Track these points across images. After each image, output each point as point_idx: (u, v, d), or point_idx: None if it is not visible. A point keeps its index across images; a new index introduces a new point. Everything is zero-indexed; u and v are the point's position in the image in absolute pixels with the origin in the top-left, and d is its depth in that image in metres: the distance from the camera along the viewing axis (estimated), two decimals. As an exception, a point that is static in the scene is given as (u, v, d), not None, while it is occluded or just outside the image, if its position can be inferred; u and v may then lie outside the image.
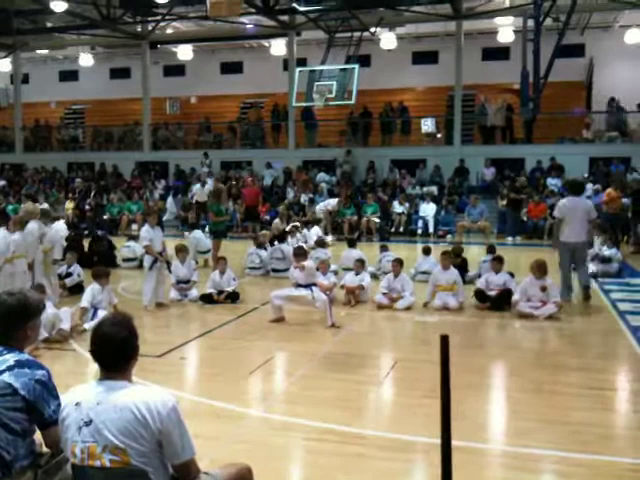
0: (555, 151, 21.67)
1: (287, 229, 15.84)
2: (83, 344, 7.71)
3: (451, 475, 3.10)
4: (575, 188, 10.88)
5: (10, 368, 3.06)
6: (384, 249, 12.98)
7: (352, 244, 13.33)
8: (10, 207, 21.16)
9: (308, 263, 9.54)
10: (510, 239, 18.75)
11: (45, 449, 3.27)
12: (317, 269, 11.45)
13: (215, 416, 5.70)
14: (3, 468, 2.97)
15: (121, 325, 3.02)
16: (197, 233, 14.71)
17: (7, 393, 3.00)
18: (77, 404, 2.94)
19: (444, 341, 3.04)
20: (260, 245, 13.68)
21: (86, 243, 14.77)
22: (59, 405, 3.11)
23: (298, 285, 9.42)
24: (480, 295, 10.15)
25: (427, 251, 12.77)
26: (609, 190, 16.92)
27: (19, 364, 3.09)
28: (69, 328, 8.27)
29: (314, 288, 9.29)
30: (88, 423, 2.88)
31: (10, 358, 3.10)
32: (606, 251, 13.45)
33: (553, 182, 20.74)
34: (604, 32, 24.15)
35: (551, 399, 6.13)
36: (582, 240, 10.25)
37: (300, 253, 9.76)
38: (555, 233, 10.67)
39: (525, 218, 19.55)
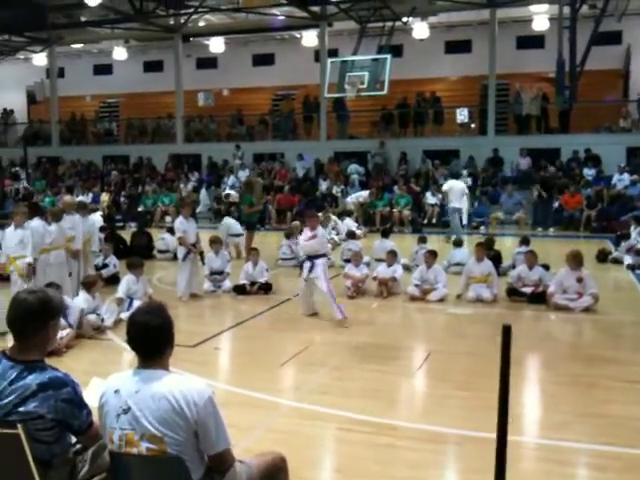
0: (591, 141, 21.25)
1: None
2: (120, 333, 7.83)
3: (504, 470, 3.04)
4: (454, 176, 19.16)
5: (34, 394, 2.97)
6: (422, 241, 12.79)
7: (385, 234, 13.26)
8: (47, 199, 21.57)
9: (319, 232, 9.14)
10: (540, 230, 18.47)
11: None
12: (349, 260, 11.51)
13: (248, 406, 5.75)
14: (44, 465, 3.03)
15: (154, 313, 3.05)
16: (227, 219, 14.84)
17: (35, 418, 2.97)
18: (116, 391, 2.99)
19: (506, 332, 2.95)
20: (290, 236, 13.71)
21: (127, 236, 15.05)
22: (89, 413, 3.13)
23: (303, 260, 9.21)
24: (513, 293, 10.04)
25: (459, 243, 12.67)
26: None
27: (42, 387, 2.99)
28: (111, 324, 8.43)
29: (317, 262, 8.86)
30: (126, 411, 2.93)
31: (32, 382, 2.99)
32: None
33: (590, 172, 20.36)
34: (642, 19, 23.57)
35: (587, 392, 6.06)
36: (461, 206, 16.44)
37: (312, 215, 9.56)
38: (446, 201, 17.10)
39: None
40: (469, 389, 5.98)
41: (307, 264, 8.99)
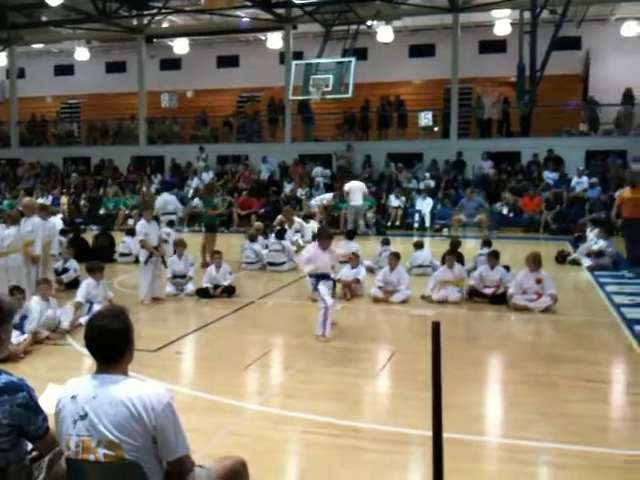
0: (552, 144, 21.62)
1: (280, 223, 15.74)
2: (78, 339, 7.69)
3: (442, 465, 3.08)
4: (354, 178, 20.40)
5: None
6: (385, 243, 12.85)
7: (350, 236, 13.29)
8: (6, 202, 21.13)
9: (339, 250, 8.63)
10: (495, 232, 18.42)
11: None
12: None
13: (211, 410, 5.69)
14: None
15: (113, 317, 3.00)
16: (165, 195, 14.73)
17: None
18: (73, 397, 2.93)
19: (435, 328, 3.01)
20: (252, 239, 13.62)
21: (90, 238, 14.81)
22: (45, 418, 3.09)
23: (317, 276, 8.27)
24: (474, 294, 10.15)
25: (419, 245, 12.75)
26: (625, 190, 14.17)
27: None
28: (68, 326, 8.24)
29: (322, 286, 8.15)
30: (83, 417, 2.87)
31: None
32: (598, 243, 13.43)
33: (551, 176, 20.71)
34: (601, 25, 24.08)
35: (547, 391, 6.14)
36: (360, 204, 18.29)
37: (325, 236, 8.48)
38: (348, 199, 18.46)
39: (506, 211, 19.57)
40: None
41: (312, 280, 8.39)
